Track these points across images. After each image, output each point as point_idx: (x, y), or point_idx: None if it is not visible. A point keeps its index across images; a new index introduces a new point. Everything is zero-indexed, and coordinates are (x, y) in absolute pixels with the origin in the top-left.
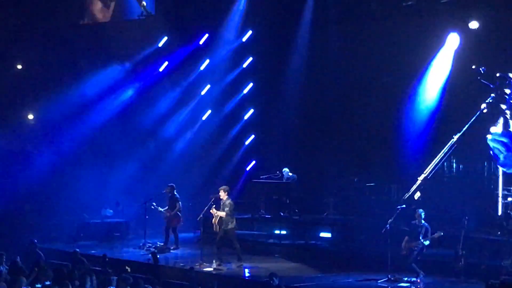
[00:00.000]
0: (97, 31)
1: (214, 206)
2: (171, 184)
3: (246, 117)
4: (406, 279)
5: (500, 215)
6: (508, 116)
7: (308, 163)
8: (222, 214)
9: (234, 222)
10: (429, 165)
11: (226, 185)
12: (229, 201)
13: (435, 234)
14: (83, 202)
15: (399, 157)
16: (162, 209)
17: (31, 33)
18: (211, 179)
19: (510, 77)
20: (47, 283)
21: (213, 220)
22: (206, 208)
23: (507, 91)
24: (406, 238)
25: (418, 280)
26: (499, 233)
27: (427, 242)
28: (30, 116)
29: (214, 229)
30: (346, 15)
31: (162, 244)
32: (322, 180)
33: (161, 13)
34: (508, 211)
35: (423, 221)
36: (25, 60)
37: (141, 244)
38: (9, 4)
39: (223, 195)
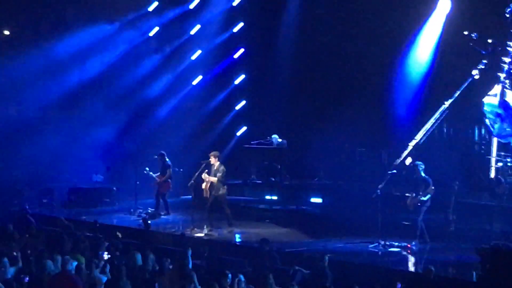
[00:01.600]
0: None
1: (206, 171)
2: (162, 151)
3: (236, 82)
4: (397, 244)
5: (491, 180)
6: (507, 86)
7: (298, 129)
8: (213, 179)
9: (225, 187)
10: (420, 130)
11: (216, 150)
12: (221, 167)
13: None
14: (73, 167)
15: (390, 122)
16: (154, 175)
17: None
18: (201, 145)
19: (507, 44)
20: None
21: (203, 186)
22: (196, 174)
23: (506, 59)
24: (412, 194)
25: (409, 245)
26: (489, 197)
27: (425, 198)
28: None
29: (204, 194)
30: None
31: (153, 210)
32: (313, 145)
33: None
34: (499, 176)
35: (423, 174)
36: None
37: (131, 210)
38: None
39: (214, 160)
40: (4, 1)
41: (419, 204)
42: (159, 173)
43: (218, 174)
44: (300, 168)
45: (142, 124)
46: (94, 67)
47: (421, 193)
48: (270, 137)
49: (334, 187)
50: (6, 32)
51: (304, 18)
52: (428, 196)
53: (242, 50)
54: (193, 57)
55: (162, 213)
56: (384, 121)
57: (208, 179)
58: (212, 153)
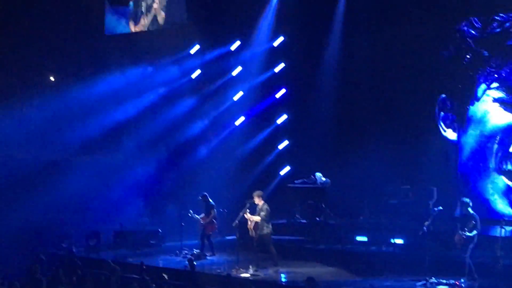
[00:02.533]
0: (129, 40)
1: (248, 211)
2: (204, 193)
3: (278, 121)
4: (445, 281)
5: None
6: None
7: (342, 168)
8: (257, 218)
9: (270, 227)
10: None
11: (260, 190)
12: (265, 206)
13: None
14: (119, 209)
15: (439, 158)
16: (198, 217)
17: (63, 44)
18: (244, 184)
19: None
20: None
21: (248, 225)
22: (241, 214)
23: None
24: (459, 231)
25: (457, 283)
26: None
27: (472, 233)
28: None
29: (250, 234)
30: (377, 16)
31: (198, 251)
32: (357, 183)
33: (193, 21)
34: None
35: (470, 211)
36: (57, 71)
37: (177, 251)
38: (43, 15)
39: (257, 200)
40: (50, 48)
41: (466, 241)
42: (203, 214)
43: (262, 213)
44: (345, 207)
45: (184, 163)
46: (135, 107)
47: (467, 230)
48: (314, 175)
49: (379, 225)
50: (52, 78)
51: (346, 57)
52: (475, 232)
53: (283, 91)
54: (235, 98)
55: (208, 254)
56: (433, 157)
57: (252, 218)
58: (255, 193)
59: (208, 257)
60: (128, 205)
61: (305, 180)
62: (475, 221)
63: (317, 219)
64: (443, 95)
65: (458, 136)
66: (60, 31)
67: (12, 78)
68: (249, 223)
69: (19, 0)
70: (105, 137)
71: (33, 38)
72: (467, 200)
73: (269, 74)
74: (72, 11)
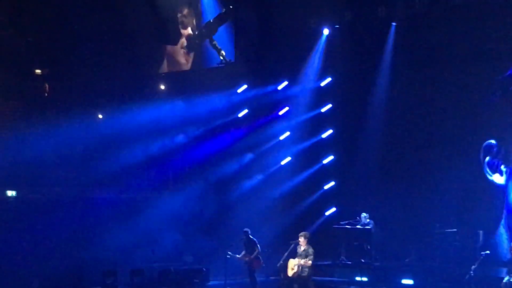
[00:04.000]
0: (177, 79)
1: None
2: (246, 229)
3: (325, 162)
4: None
5: None
6: None
7: (388, 209)
8: (308, 263)
9: (311, 267)
10: None
11: (305, 231)
12: (310, 249)
13: None
14: (162, 248)
15: (482, 202)
16: (238, 256)
17: (112, 82)
18: (287, 223)
19: None
20: None
21: (292, 268)
22: (286, 254)
23: None
24: (506, 276)
25: None
26: None
27: None
28: None
29: (288, 274)
30: (425, 58)
31: None
32: (403, 225)
33: (241, 61)
34: None
35: None
36: (105, 109)
37: None
38: (92, 52)
39: (302, 241)
40: (98, 87)
41: None
42: (244, 252)
43: (311, 257)
44: (391, 249)
45: (226, 200)
46: (179, 140)
47: None
48: (360, 217)
49: (426, 268)
50: (100, 116)
51: (393, 98)
52: None
53: (330, 131)
54: (282, 137)
55: None
56: (476, 201)
57: (301, 263)
58: (302, 233)
59: None
60: (171, 242)
61: (351, 221)
62: None
63: (362, 260)
64: (491, 141)
65: (507, 180)
66: (117, 72)
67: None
68: (295, 267)
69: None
70: (145, 170)
71: (89, 77)
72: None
73: (315, 113)
74: (129, 53)
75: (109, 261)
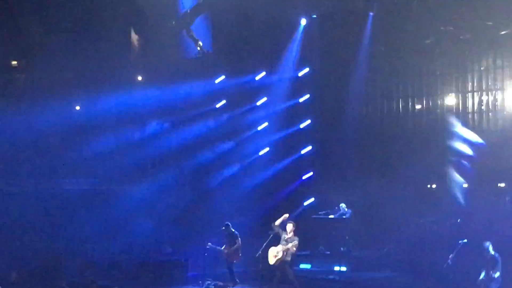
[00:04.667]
0: (154, 69)
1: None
2: (227, 222)
3: (303, 152)
4: None
5: None
6: None
7: (367, 199)
8: (293, 249)
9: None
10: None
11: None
12: (296, 237)
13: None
14: (139, 239)
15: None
16: (220, 248)
17: (88, 73)
18: (267, 214)
19: None
20: None
21: (275, 256)
22: (264, 245)
23: None
24: (483, 272)
25: None
26: None
27: (496, 275)
28: None
29: (270, 262)
30: (402, 48)
31: (221, 283)
32: (382, 215)
33: (219, 52)
34: None
35: (492, 252)
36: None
37: (200, 282)
38: (67, 43)
39: (291, 229)
40: (73, 78)
41: (489, 282)
42: (225, 245)
43: (295, 243)
44: (369, 238)
45: (205, 192)
46: (155, 128)
47: (491, 272)
48: (338, 207)
49: (405, 257)
50: (77, 107)
51: (370, 88)
52: (498, 273)
53: (308, 122)
54: (260, 128)
55: (230, 284)
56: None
57: (288, 247)
58: (291, 221)
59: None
60: (148, 233)
61: (329, 211)
62: (497, 263)
63: (341, 249)
64: None
65: None
66: (92, 62)
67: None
68: (279, 253)
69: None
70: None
71: (65, 68)
72: (487, 243)
73: (293, 104)
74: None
75: (86, 253)
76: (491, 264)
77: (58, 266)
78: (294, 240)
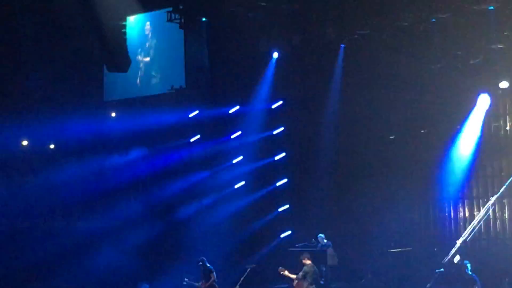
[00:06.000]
0: (127, 105)
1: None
2: (202, 257)
3: (278, 184)
4: None
5: None
6: None
7: (343, 230)
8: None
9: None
10: (467, 227)
11: (258, 253)
12: (311, 268)
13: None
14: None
15: (437, 218)
16: (196, 284)
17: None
18: (242, 247)
19: None
20: None
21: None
22: (242, 279)
23: None
24: None
25: None
26: None
27: None
28: None
29: None
30: (374, 78)
31: None
32: (359, 245)
33: (192, 86)
34: None
35: (469, 273)
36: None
37: None
38: (41, 81)
39: (306, 260)
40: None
41: None
42: (202, 281)
43: (309, 275)
44: (347, 270)
45: (180, 226)
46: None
47: None
48: (316, 238)
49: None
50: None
51: (344, 119)
52: None
53: (283, 154)
54: (234, 161)
55: None
56: (431, 218)
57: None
58: (304, 254)
59: None
60: (126, 270)
61: (307, 243)
62: (475, 283)
63: (321, 282)
64: None
65: None
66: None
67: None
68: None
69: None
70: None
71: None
72: (467, 261)
73: (268, 136)
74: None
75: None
76: (469, 284)
77: None
78: (308, 272)
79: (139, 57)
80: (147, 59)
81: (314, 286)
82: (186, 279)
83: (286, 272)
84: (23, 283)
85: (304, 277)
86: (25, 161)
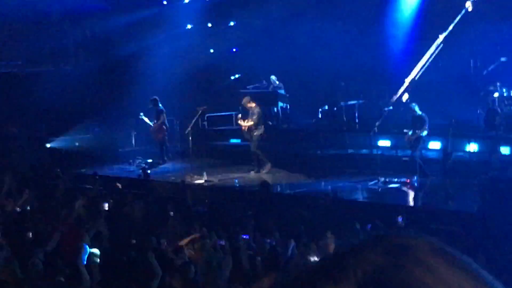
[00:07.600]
0: None
1: (240, 116)
2: (155, 97)
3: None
4: (396, 180)
5: (488, 111)
6: None
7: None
8: (250, 123)
9: (262, 128)
10: (415, 66)
11: (209, 96)
12: (257, 109)
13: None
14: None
15: (385, 58)
16: (149, 121)
17: None
18: (193, 93)
19: None
20: None
21: (243, 129)
22: (193, 121)
23: None
24: (409, 131)
25: (408, 180)
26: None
27: (424, 133)
28: None
29: (245, 136)
30: None
31: (151, 160)
32: (312, 87)
33: None
34: (493, 107)
35: (418, 112)
36: None
37: (131, 161)
38: None
39: (249, 104)
40: None
41: (416, 140)
42: (154, 121)
43: (254, 117)
44: (299, 111)
45: (132, 70)
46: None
47: (417, 130)
48: (267, 80)
49: (333, 126)
50: None
51: None
52: (425, 132)
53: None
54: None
55: (159, 162)
56: (380, 58)
57: (245, 124)
58: (245, 98)
59: (161, 165)
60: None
61: (258, 85)
62: (424, 122)
63: (270, 123)
64: None
65: None
66: None
67: None
68: (243, 128)
69: None
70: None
71: None
72: (414, 104)
73: None
74: None
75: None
76: (418, 123)
77: None
78: (254, 114)
79: None
80: None
81: (263, 127)
82: (141, 113)
83: (241, 122)
84: None
85: (258, 120)
86: None
